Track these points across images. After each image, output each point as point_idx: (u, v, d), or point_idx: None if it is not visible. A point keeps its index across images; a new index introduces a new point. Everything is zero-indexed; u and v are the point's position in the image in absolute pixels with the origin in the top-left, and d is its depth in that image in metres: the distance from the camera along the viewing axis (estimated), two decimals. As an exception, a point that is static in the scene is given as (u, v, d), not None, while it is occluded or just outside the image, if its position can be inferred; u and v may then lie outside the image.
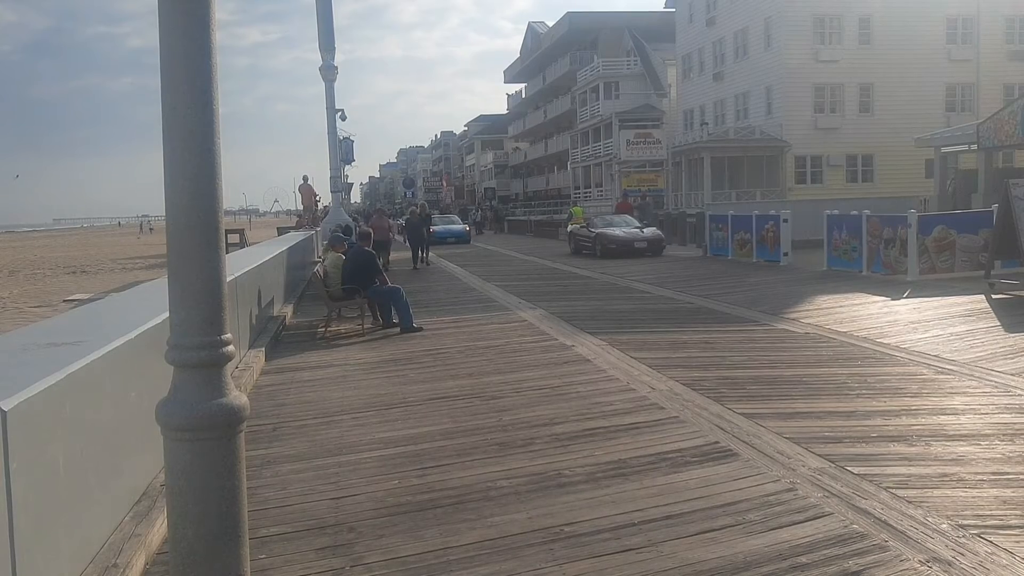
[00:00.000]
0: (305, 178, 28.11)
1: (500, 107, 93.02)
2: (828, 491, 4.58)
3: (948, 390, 6.87)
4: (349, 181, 44.72)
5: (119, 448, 4.28)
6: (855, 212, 16.60)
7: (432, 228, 30.99)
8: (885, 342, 9.10)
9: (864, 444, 5.44)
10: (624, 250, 23.44)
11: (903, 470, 4.91)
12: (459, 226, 37.77)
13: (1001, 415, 6.07)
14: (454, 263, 24.01)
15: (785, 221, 18.97)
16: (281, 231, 31.10)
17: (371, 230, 14.12)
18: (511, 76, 76.51)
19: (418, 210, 25.24)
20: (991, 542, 3.87)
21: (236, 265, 9.22)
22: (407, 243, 24.29)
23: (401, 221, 33.52)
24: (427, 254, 24.04)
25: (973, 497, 4.46)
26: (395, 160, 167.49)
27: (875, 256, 15.65)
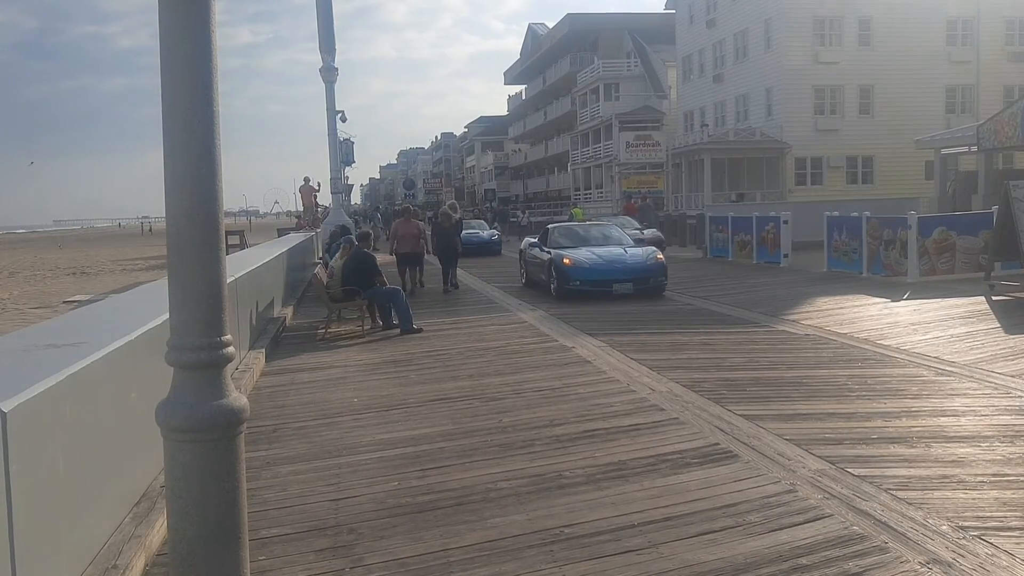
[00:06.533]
0: (306, 179, 28.13)
1: (497, 108, 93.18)
2: (828, 493, 4.57)
3: (948, 392, 6.87)
4: (349, 183, 44.71)
5: (119, 449, 4.27)
6: (855, 214, 16.60)
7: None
8: (885, 344, 9.10)
9: (864, 446, 5.44)
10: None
11: (903, 472, 4.90)
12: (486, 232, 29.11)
13: (1001, 417, 6.06)
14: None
15: (785, 223, 18.99)
16: (281, 232, 30.88)
17: (369, 234, 13.89)
18: (511, 78, 76.57)
19: (454, 212, 18.45)
20: (991, 544, 3.87)
21: (236, 266, 9.22)
22: (436, 256, 17.18)
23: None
24: (455, 274, 16.82)
25: (973, 499, 4.46)
26: (395, 161, 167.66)
27: (875, 258, 15.64)
